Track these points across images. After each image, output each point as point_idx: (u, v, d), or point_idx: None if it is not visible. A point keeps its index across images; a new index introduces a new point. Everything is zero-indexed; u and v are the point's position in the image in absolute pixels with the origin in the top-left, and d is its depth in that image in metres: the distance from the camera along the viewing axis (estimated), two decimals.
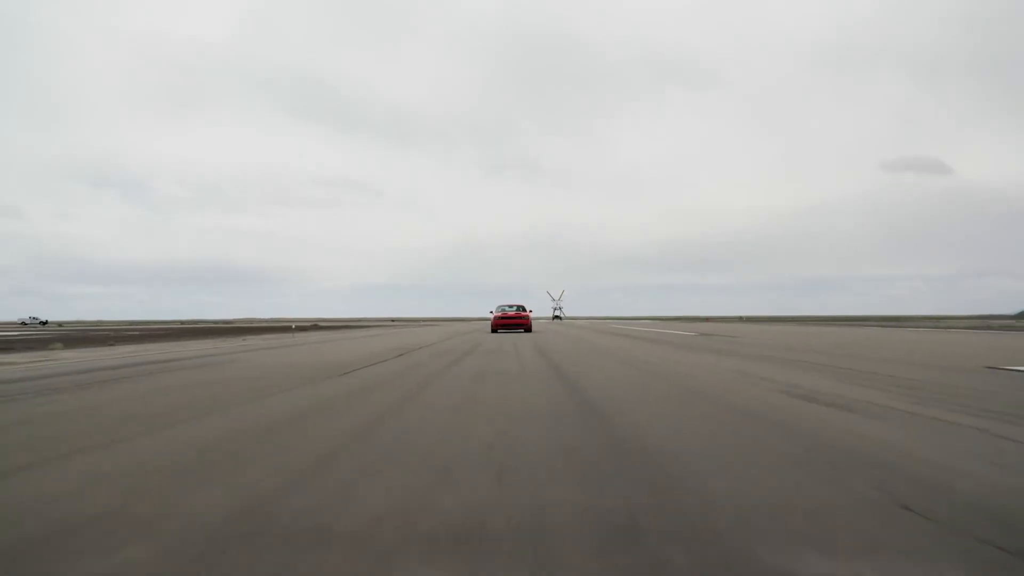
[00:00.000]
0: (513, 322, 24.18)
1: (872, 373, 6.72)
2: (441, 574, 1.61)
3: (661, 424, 3.77)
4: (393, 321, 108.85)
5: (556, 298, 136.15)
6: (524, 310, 25.73)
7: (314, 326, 58.12)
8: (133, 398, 5.42)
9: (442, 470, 2.67)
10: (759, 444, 3.16)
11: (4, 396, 5.71)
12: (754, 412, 4.20)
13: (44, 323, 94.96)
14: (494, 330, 23.86)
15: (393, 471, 2.67)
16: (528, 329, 24.29)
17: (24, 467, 2.86)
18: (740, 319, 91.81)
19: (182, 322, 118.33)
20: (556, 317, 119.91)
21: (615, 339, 16.84)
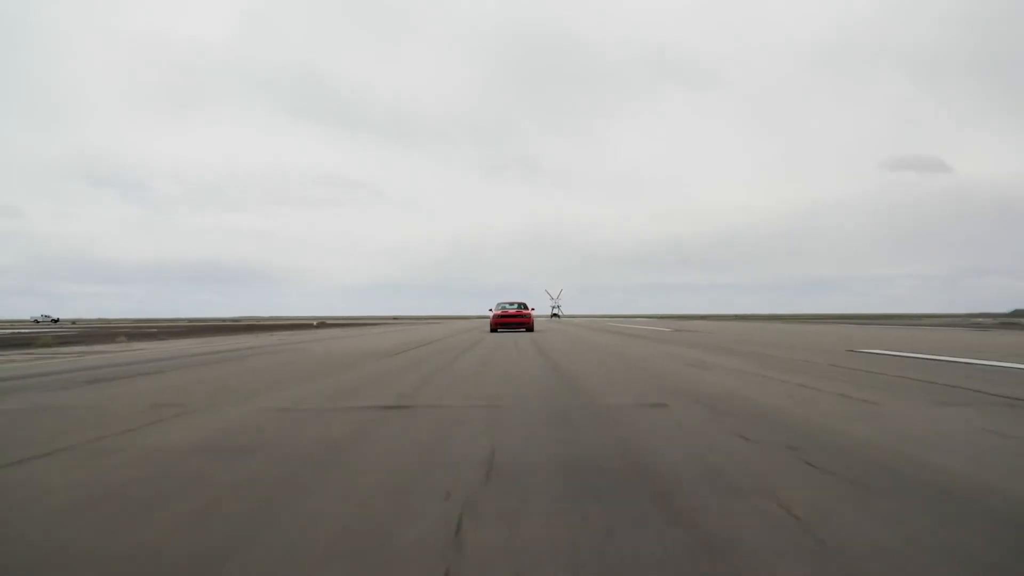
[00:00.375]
0: (514, 321, 23.53)
1: (762, 354, 9.74)
2: (485, 406, 4.62)
3: (592, 372, 6.79)
4: (396, 319, 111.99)
5: (554, 297, 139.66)
6: (526, 308, 25.00)
7: (321, 324, 61.24)
8: (281, 364, 8.43)
9: (479, 384, 5.71)
10: (639, 379, 6.19)
11: (182, 364, 8.70)
12: (652, 369, 7.22)
13: (56, 321, 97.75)
14: (493, 329, 23.08)
15: (457, 387, 5.69)
16: (530, 328, 23.64)
17: (287, 383, 5.86)
18: (736, 317, 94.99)
19: (190, 320, 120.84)
20: (554, 315, 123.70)
21: (593, 332, 19.90)
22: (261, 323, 67.39)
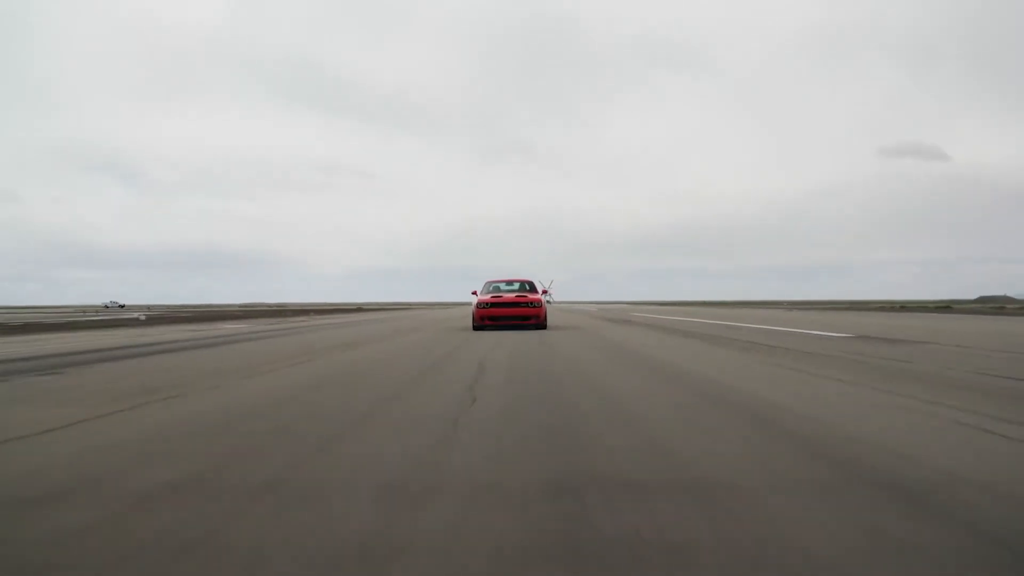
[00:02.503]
0: (513, 313, 16.37)
1: (601, 315, 26.25)
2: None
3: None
4: (409, 305, 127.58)
5: (547, 285, 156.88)
6: (533, 290, 17.97)
7: (359, 309, 76.67)
8: (442, 316, 24.85)
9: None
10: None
11: (384, 319, 25.05)
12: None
13: (122, 307, 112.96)
14: (479, 326, 16.10)
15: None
16: (541, 324, 16.40)
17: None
18: (704, 304, 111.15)
19: (209, 305, 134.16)
20: (547, 302, 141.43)
21: (563, 312, 36.25)
22: (307, 308, 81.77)
